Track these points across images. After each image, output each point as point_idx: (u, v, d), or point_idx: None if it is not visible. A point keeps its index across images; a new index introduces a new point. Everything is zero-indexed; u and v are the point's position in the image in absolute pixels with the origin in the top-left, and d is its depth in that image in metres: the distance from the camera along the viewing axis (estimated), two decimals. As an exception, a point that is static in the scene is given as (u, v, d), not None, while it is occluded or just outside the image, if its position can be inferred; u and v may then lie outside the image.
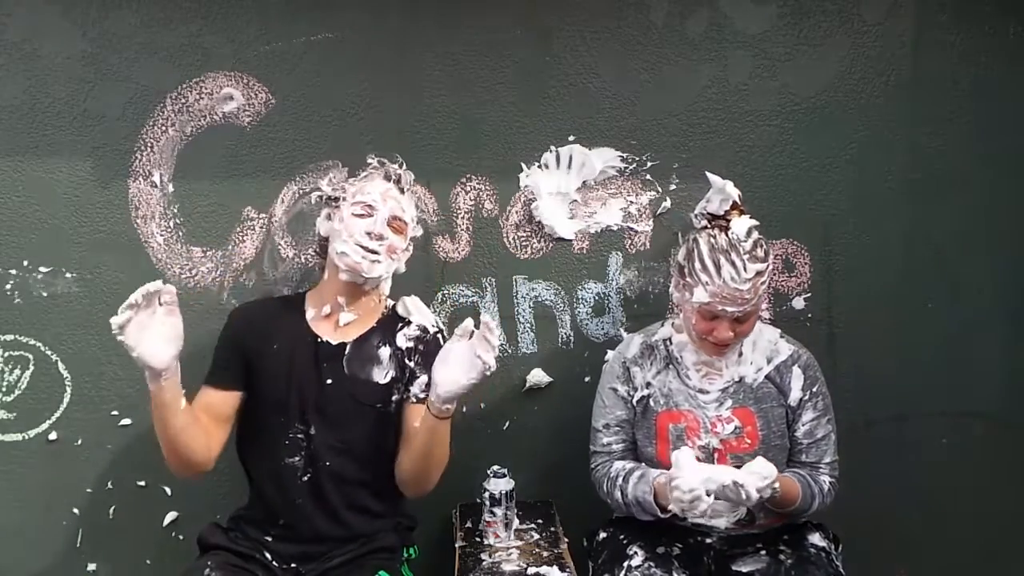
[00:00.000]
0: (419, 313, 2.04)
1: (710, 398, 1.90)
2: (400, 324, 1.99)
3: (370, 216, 1.89)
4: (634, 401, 1.95)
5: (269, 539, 1.86)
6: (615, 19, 2.26)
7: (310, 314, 1.97)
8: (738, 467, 1.72)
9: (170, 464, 1.81)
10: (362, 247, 1.87)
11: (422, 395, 1.93)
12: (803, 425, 1.91)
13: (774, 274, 2.30)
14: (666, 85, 2.28)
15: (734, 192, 1.85)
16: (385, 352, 1.94)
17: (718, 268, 1.75)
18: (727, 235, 1.79)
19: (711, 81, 2.29)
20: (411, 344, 1.96)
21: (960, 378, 2.38)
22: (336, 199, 1.94)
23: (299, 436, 1.87)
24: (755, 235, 1.81)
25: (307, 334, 1.93)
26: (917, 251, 2.34)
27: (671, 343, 1.98)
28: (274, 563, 1.83)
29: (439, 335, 2.02)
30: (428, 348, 1.96)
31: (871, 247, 2.33)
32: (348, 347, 1.93)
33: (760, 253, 1.79)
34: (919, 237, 2.34)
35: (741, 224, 1.81)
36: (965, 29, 2.30)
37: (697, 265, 1.79)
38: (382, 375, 1.92)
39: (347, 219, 1.89)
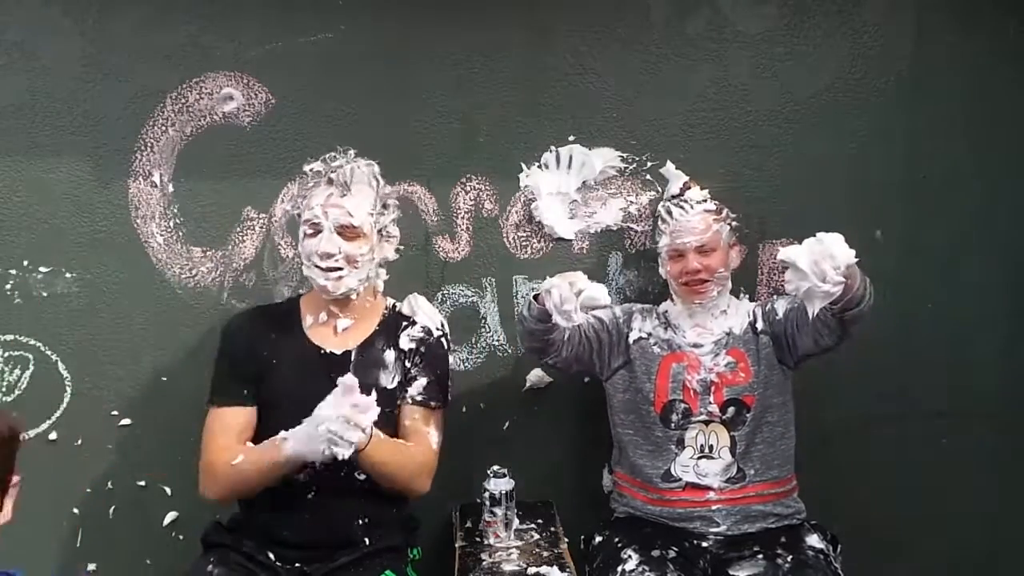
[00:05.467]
0: (424, 313, 2.03)
1: (705, 350, 2.03)
2: (404, 324, 1.97)
3: (318, 234, 1.83)
4: (622, 330, 2.07)
5: (274, 542, 1.84)
6: (615, 19, 2.26)
7: (307, 322, 1.94)
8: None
9: (236, 498, 1.87)
10: (319, 268, 1.83)
11: (419, 398, 1.92)
12: (785, 309, 2.01)
13: (774, 274, 2.31)
14: (666, 85, 2.28)
15: (679, 174, 2.14)
16: (390, 356, 1.92)
17: (670, 214, 2.05)
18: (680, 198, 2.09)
19: (711, 81, 2.29)
20: (413, 345, 1.94)
21: (960, 378, 2.38)
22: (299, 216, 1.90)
23: None
24: (705, 195, 2.07)
25: (308, 346, 1.90)
26: (917, 251, 2.34)
27: (668, 314, 2.11)
28: (278, 563, 1.83)
29: (443, 338, 2.01)
30: (430, 350, 1.95)
31: (871, 247, 2.32)
32: (353, 354, 1.90)
33: (709, 204, 2.05)
34: (919, 237, 2.34)
35: (694, 192, 2.08)
36: (965, 29, 2.30)
37: (660, 224, 2.08)
38: (389, 380, 1.90)
39: (303, 241, 1.86)
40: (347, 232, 1.84)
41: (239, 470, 1.78)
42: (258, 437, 1.88)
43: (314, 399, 1.81)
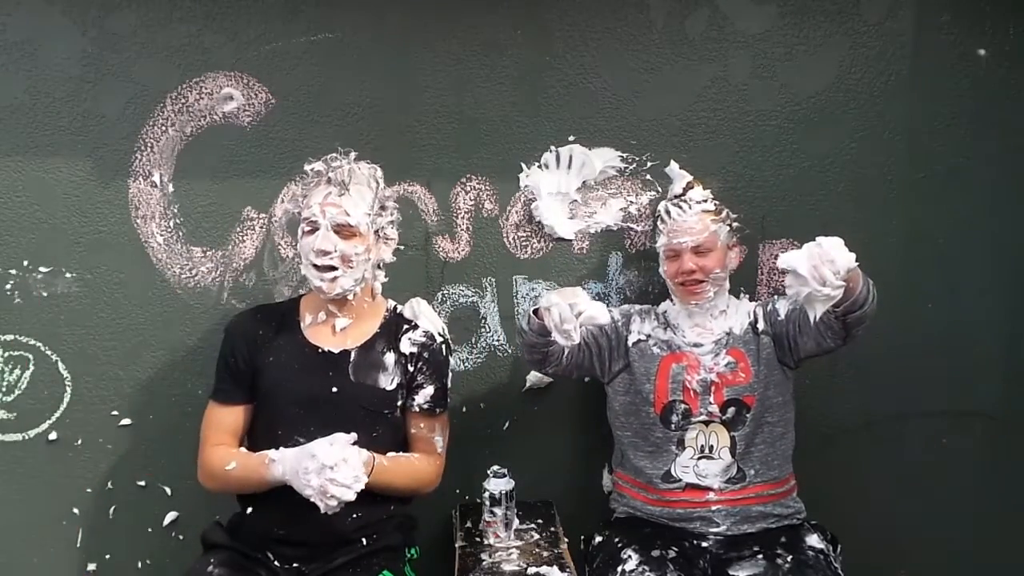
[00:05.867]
0: (426, 318, 2.04)
1: (705, 350, 2.02)
2: (405, 327, 1.98)
3: (316, 231, 1.85)
4: (621, 333, 2.07)
5: (272, 541, 1.85)
6: (615, 19, 2.26)
7: (307, 321, 1.96)
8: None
9: (227, 492, 1.93)
10: (315, 266, 1.85)
11: (425, 406, 1.94)
12: (787, 310, 2.00)
13: (774, 274, 2.31)
14: (666, 85, 2.28)
15: (683, 174, 2.12)
16: (390, 358, 1.94)
17: (669, 213, 2.04)
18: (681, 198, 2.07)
19: (711, 81, 2.29)
20: (415, 350, 1.95)
21: (960, 378, 2.38)
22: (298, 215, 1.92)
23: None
24: (706, 194, 2.06)
25: (305, 345, 1.92)
26: (917, 251, 2.34)
27: (668, 314, 2.10)
28: (276, 563, 1.84)
29: (444, 344, 2.02)
30: (434, 357, 1.97)
31: (871, 247, 2.32)
32: (353, 354, 1.92)
33: (708, 204, 2.04)
34: (919, 237, 2.34)
35: (695, 191, 2.07)
36: (965, 29, 2.30)
37: (659, 223, 2.07)
38: (388, 381, 1.92)
39: (301, 240, 1.88)
40: (343, 231, 1.85)
41: (233, 476, 1.85)
42: (258, 430, 1.92)
43: (303, 395, 1.86)
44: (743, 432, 1.97)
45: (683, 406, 1.99)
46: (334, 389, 1.88)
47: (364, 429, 1.85)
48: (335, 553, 1.84)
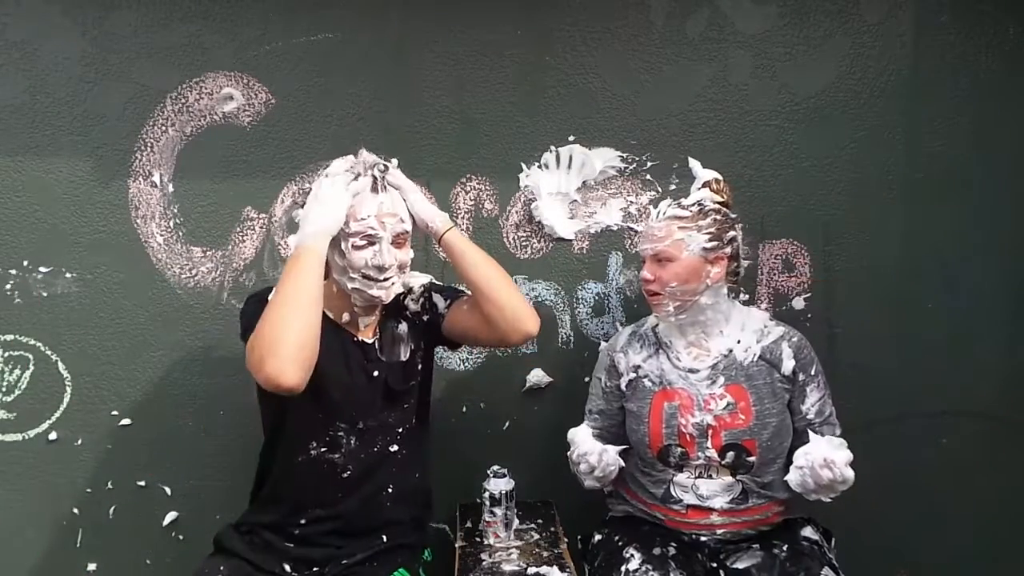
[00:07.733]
0: (415, 279, 1.99)
1: (701, 376, 1.91)
2: (403, 296, 1.94)
3: (372, 245, 1.75)
4: (621, 387, 1.99)
5: (290, 545, 1.81)
6: (615, 19, 2.26)
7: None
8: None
9: (277, 349, 1.57)
10: (373, 280, 1.76)
11: (449, 303, 1.91)
12: (813, 406, 1.93)
13: (774, 274, 2.31)
14: (666, 85, 2.28)
15: (704, 173, 2.02)
16: (403, 328, 1.91)
17: (647, 215, 1.96)
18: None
19: (711, 81, 2.29)
20: (420, 302, 1.93)
21: (960, 378, 2.38)
22: None
23: (340, 433, 1.81)
24: (699, 198, 1.93)
25: (343, 332, 1.84)
26: (917, 251, 2.34)
27: (658, 330, 2.02)
28: (293, 573, 1.80)
29: (434, 281, 2.01)
30: (436, 288, 1.96)
31: (871, 247, 2.33)
32: (379, 339, 1.88)
33: (692, 210, 1.90)
34: (919, 237, 2.34)
35: (699, 194, 1.96)
36: (965, 29, 2.30)
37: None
38: (406, 351, 1.90)
39: (350, 254, 1.74)
40: (398, 238, 1.78)
41: (270, 306, 1.64)
42: (297, 421, 1.80)
43: (346, 382, 1.80)
44: (745, 476, 1.89)
45: (679, 450, 1.89)
46: (375, 373, 1.84)
47: (396, 406, 1.86)
48: (352, 548, 1.81)
